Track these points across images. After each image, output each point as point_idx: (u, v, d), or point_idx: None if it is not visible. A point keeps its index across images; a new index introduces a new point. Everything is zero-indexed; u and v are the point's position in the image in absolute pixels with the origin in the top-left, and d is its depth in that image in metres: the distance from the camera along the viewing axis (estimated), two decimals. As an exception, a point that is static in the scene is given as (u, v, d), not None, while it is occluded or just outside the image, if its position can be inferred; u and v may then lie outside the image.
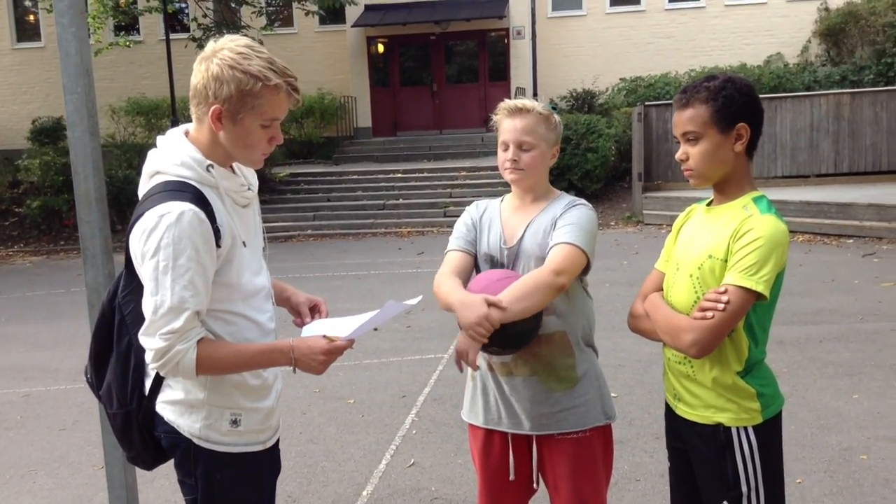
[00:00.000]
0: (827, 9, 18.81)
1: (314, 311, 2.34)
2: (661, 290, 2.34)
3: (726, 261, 2.11)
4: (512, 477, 2.54)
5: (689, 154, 2.18)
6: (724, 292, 2.05)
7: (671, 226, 2.46)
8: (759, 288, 2.04)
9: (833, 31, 18.40)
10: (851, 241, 10.82)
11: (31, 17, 22.13)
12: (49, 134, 18.13)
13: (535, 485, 2.60)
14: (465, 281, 2.49)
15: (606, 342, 6.28)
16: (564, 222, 2.41)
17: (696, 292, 2.17)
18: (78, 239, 2.92)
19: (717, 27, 19.69)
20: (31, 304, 9.96)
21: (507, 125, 2.47)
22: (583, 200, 2.53)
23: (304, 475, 4.39)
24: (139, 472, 3.09)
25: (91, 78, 2.86)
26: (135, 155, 16.33)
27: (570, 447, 2.48)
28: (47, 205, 15.48)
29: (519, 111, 2.45)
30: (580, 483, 2.48)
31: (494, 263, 2.50)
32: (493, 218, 2.56)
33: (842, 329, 6.62)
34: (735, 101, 2.14)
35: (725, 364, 2.17)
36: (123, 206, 14.89)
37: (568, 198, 2.54)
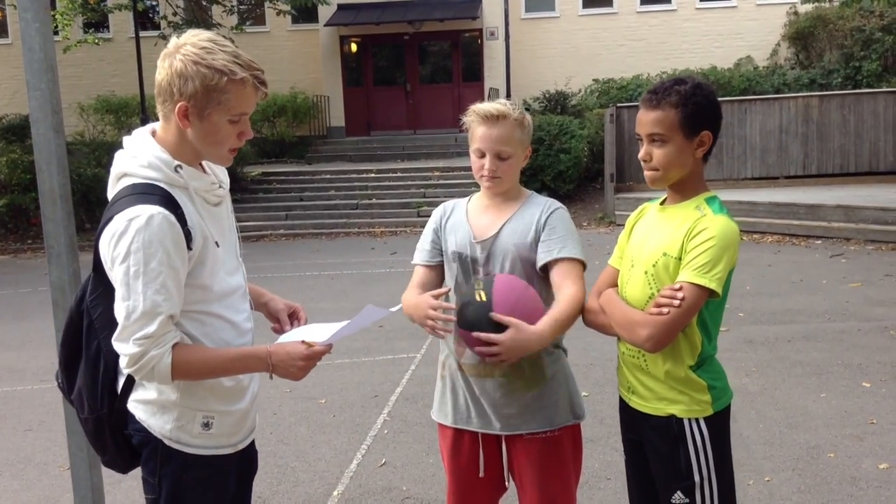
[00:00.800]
0: (796, 13, 19.06)
1: (293, 317, 2.33)
2: (615, 286, 2.39)
3: (680, 258, 2.18)
4: (481, 474, 2.53)
5: (653, 155, 2.23)
6: (679, 289, 2.12)
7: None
8: (713, 285, 2.10)
9: (802, 35, 18.65)
10: (820, 241, 10.96)
11: (0, 14, 21.81)
12: (16, 132, 17.84)
13: (505, 483, 2.60)
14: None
15: (578, 342, 6.30)
16: (557, 234, 2.41)
17: (650, 288, 2.23)
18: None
19: (687, 30, 19.87)
20: (-3, 304, 9.80)
21: (482, 133, 2.41)
22: (554, 201, 2.54)
23: (275, 475, 4.36)
24: (106, 472, 3.05)
25: (55, 74, 2.81)
26: (104, 153, 16.11)
27: (539, 446, 2.48)
28: (14, 203, 15.22)
29: (495, 119, 2.39)
30: (549, 482, 2.49)
31: (463, 260, 2.49)
32: (460, 219, 2.55)
33: (810, 329, 6.70)
34: (703, 108, 2.19)
35: (678, 358, 2.23)
36: (92, 204, 14.70)
37: (539, 198, 2.54)
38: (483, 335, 2.19)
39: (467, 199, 2.63)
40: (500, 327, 2.20)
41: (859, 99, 14.01)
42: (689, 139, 2.20)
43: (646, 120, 2.22)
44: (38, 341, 7.53)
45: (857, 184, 13.57)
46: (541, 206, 2.49)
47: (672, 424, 2.25)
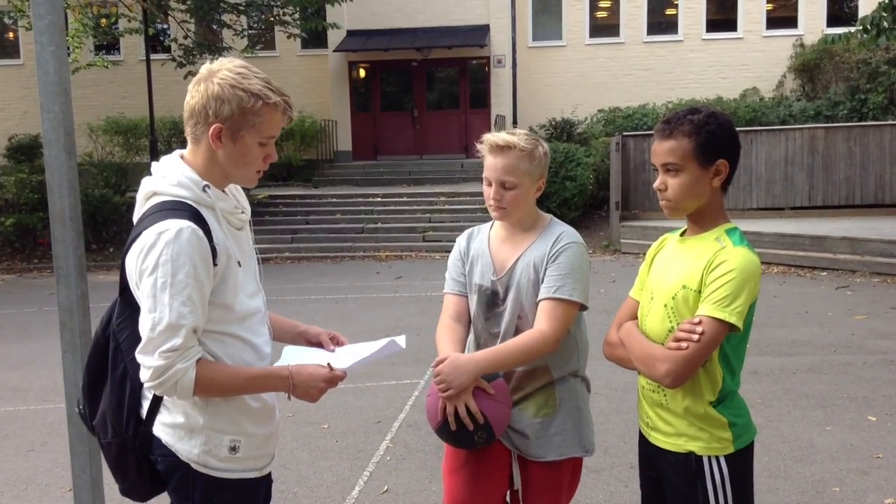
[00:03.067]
0: (802, 45, 19.16)
1: (334, 342, 2.37)
2: (636, 318, 2.35)
3: (699, 291, 2.14)
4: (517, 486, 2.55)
5: (668, 185, 2.21)
6: (699, 323, 2.07)
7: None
8: (733, 319, 2.06)
9: (808, 67, 18.73)
10: (825, 273, 10.94)
11: (11, 35, 22.01)
12: (25, 151, 17.96)
13: (514, 487, 2.60)
14: (467, 323, 2.56)
15: (582, 370, 6.29)
16: (559, 271, 2.41)
17: (670, 321, 2.19)
18: (51, 257, 2.89)
19: (694, 61, 19.97)
20: (2, 323, 9.80)
21: (489, 162, 2.46)
22: (573, 233, 2.52)
23: (276, 501, 4.32)
24: (107, 495, 3.04)
25: (69, 97, 2.84)
26: (112, 174, 16.22)
27: (542, 472, 2.51)
28: (21, 222, 15.28)
29: (501, 149, 2.43)
30: None
31: (483, 292, 2.51)
32: (483, 249, 2.57)
33: (815, 361, 6.67)
34: (717, 137, 2.17)
35: (698, 394, 2.18)
36: (99, 225, 14.77)
37: (559, 227, 2.53)
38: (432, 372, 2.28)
39: (490, 224, 2.65)
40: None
41: (865, 131, 14.04)
42: (704, 168, 2.17)
43: (660, 150, 2.21)
44: (43, 361, 7.53)
45: (862, 216, 13.57)
46: (555, 235, 2.48)
47: (691, 461, 2.20)
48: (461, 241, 2.64)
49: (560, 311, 2.39)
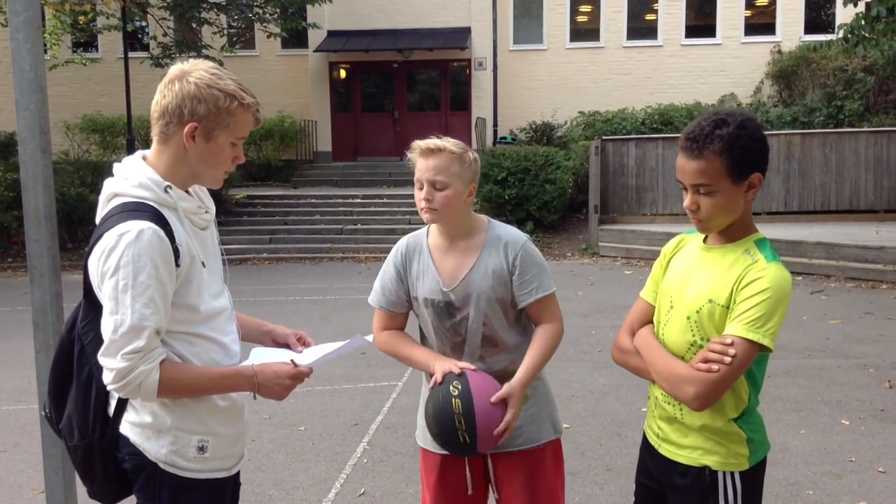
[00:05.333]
0: (780, 51, 19.37)
1: (301, 342, 2.37)
2: (649, 322, 2.27)
3: (727, 307, 2.03)
4: (470, 491, 2.58)
5: (701, 205, 2.06)
6: (731, 344, 1.96)
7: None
8: (766, 341, 1.97)
9: (785, 74, 18.93)
10: (800, 278, 11.05)
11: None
12: (0, 149, 17.74)
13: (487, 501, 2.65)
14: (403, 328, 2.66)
15: (560, 373, 6.30)
16: (530, 273, 2.50)
17: (693, 335, 2.10)
18: (26, 256, 2.86)
19: (673, 66, 20.12)
20: (-26, 322, 9.68)
21: (420, 165, 2.53)
22: (516, 232, 2.58)
23: (252, 503, 4.31)
24: (80, 496, 3.00)
25: (45, 95, 2.81)
26: (88, 172, 16.04)
27: (524, 462, 2.55)
28: (-5, 220, 15.11)
29: (431, 152, 2.50)
30: (538, 496, 2.55)
31: (435, 305, 2.54)
32: (426, 265, 2.58)
33: (790, 365, 6.73)
34: (750, 151, 2.02)
35: (720, 411, 2.10)
36: (75, 224, 14.61)
37: (500, 229, 2.58)
38: (497, 432, 2.36)
39: (425, 231, 2.66)
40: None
41: (841, 138, 14.20)
42: (737, 184, 2.03)
43: (689, 169, 2.04)
44: (16, 361, 7.44)
45: (837, 221, 13.72)
46: (503, 242, 2.52)
47: (705, 476, 2.12)
48: (397, 260, 2.62)
49: (549, 304, 2.53)
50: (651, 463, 2.30)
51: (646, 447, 2.34)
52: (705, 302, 2.07)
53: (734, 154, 2.00)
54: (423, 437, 2.64)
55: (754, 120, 2.07)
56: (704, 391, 1.99)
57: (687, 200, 2.09)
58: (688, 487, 2.16)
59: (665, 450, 2.22)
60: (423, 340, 2.66)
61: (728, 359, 1.96)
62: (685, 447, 2.17)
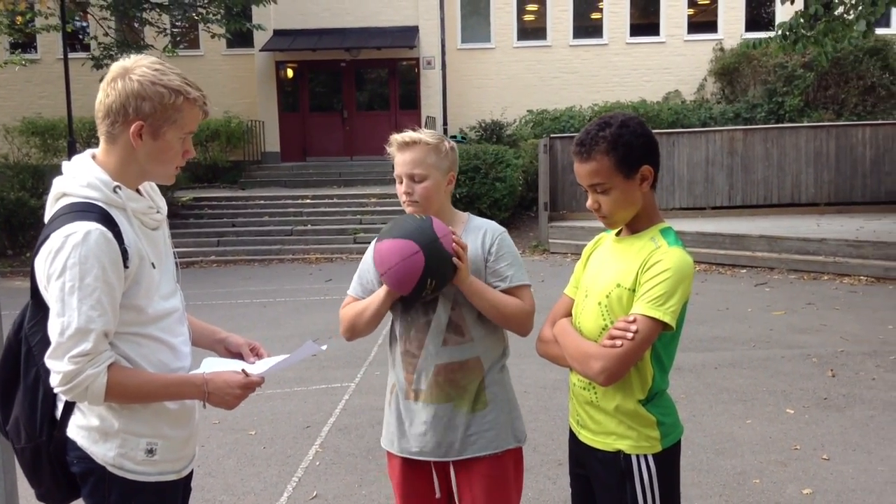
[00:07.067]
0: (722, 49, 19.74)
1: (254, 353, 2.33)
2: (570, 315, 2.37)
3: (633, 290, 2.16)
4: (438, 495, 2.58)
5: (601, 203, 2.22)
6: (633, 321, 2.09)
7: (577, 254, 2.53)
8: (667, 318, 2.09)
9: (728, 71, 19.31)
10: (745, 270, 11.28)
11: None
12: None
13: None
14: None
15: (513, 369, 6.28)
16: (505, 261, 2.53)
17: (604, 319, 2.21)
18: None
19: (618, 64, 20.38)
20: None
21: (398, 159, 2.55)
22: (495, 225, 2.62)
23: (202, 510, 4.24)
24: (25, 500, 2.93)
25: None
26: (28, 176, 15.63)
27: (484, 468, 2.54)
28: (-68, 227, 14.64)
29: (407, 145, 2.53)
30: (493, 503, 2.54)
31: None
32: None
33: (736, 356, 6.87)
34: (634, 146, 2.18)
35: (629, 391, 2.20)
36: (15, 229, 14.24)
37: (479, 221, 2.62)
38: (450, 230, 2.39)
39: None
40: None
41: (782, 133, 14.53)
42: (630, 178, 2.19)
43: (583, 172, 2.21)
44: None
45: (779, 214, 14.04)
46: (482, 231, 2.57)
47: (619, 460, 2.22)
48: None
49: (525, 294, 2.54)
50: (577, 451, 2.39)
51: (571, 437, 2.43)
52: (614, 287, 2.21)
53: (619, 151, 2.17)
54: (386, 440, 2.64)
55: (636, 118, 2.23)
56: (609, 365, 2.11)
57: (589, 201, 2.26)
58: (606, 472, 2.26)
59: (584, 437, 2.32)
60: (393, 325, 2.63)
61: (630, 334, 2.08)
62: (599, 433, 2.27)
